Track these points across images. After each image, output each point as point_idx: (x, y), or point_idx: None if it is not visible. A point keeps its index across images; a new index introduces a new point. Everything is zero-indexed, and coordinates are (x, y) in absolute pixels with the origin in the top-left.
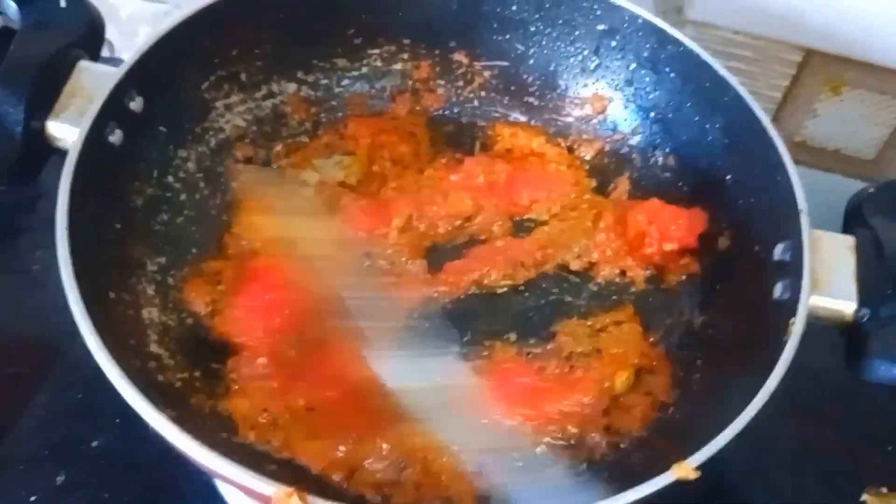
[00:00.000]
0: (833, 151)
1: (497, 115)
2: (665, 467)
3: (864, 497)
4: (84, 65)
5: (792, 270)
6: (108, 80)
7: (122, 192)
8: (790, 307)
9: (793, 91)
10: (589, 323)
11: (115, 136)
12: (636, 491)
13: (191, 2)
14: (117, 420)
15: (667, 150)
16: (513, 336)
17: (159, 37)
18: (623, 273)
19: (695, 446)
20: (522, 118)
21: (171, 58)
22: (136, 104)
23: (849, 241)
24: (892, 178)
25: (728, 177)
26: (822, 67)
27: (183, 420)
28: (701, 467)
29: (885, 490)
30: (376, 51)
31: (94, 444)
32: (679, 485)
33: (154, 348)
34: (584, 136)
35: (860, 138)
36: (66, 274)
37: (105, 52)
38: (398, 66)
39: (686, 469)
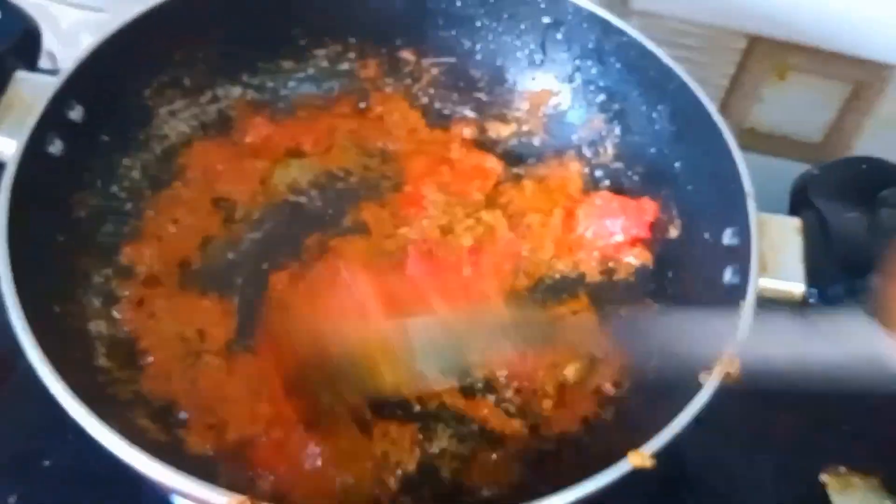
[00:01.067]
0: (781, 136)
1: (447, 112)
2: (621, 455)
3: (823, 477)
4: (21, 75)
5: (740, 254)
6: (47, 90)
7: (64, 204)
8: (740, 290)
9: (739, 78)
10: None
11: (56, 147)
12: (593, 481)
13: (131, 8)
14: (70, 436)
15: (616, 140)
16: None
17: (97, 44)
18: (576, 265)
19: (650, 434)
20: (472, 114)
21: (110, 65)
22: (75, 114)
23: (795, 223)
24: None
25: (677, 164)
26: (766, 53)
27: (132, 434)
28: (657, 455)
29: (843, 469)
30: (322, 51)
31: (47, 462)
32: (636, 473)
33: (102, 362)
34: (531, 128)
35: (807, 122)
36: (7, 288)
37: (46, 64)
38: (345, 66)
39: (642, 457)
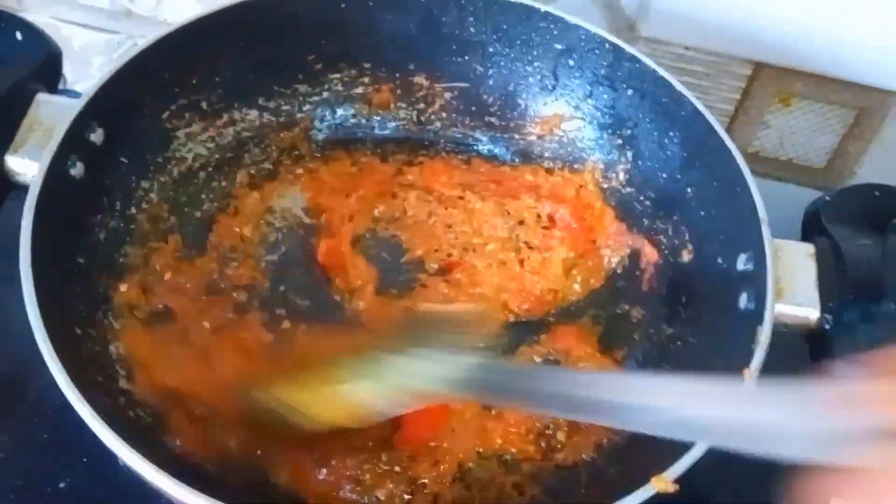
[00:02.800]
0: (785, 161)
1: (459, 136)
2: (639, 478)
3: None
4: (42, 98)
5: (755, 280)
6: (68, 112)
7: (84, 226)
8: (756, 316)
9: (744, 104)
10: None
11: (77, 169)
12: None
13: (143, 30)
14: (85, 459)
15: (627, 165)
16: None
17: (118, 68)
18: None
19: (670, 459)
20: (484, 138)
21: (130, 88)
22: (96, 136)
23: (809, 249)
24: (843, 184)
25: (688, 190)
26: (771, 80)
27: (156, 456)
28: (678, 480)
29: None
30: (337, 75)
31: (62, 484)
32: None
33: (123, 384)
34: (546, 155)
35: (811, 147)
36: (32, 311)
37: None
38: (359, 90)
39: (664, 482)
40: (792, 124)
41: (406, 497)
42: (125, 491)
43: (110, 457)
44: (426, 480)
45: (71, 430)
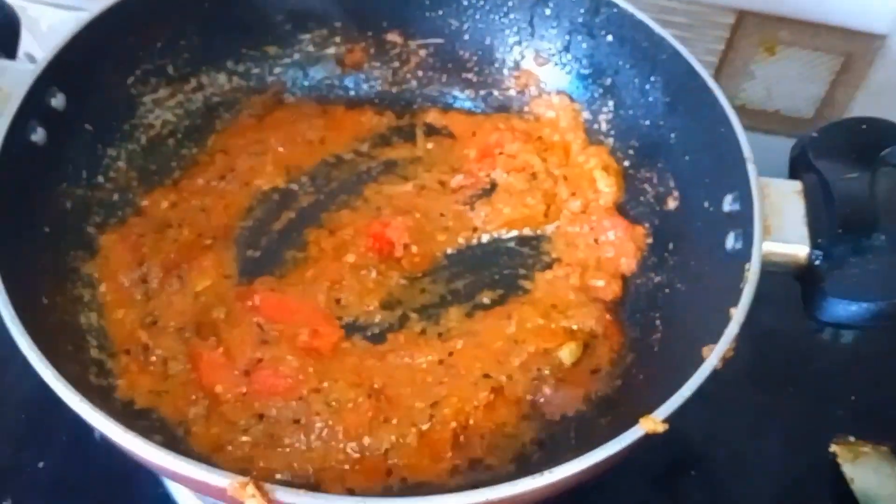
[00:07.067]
0: (773, 113)
1: (436, 94)
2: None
3: (833, 447)
4: (1, 63)
5: (742, 219)
6: (27, 77)
7: (49, 195)
8: (744, 255)
9: (729, 55)
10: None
11: (38, 136)
12: (605, 448)
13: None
14: (63, 438)
15: (609, 114)
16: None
17: (77, 31)
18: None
19: (659, 401)
20: (462, 95)
21: (91, 53)
22: (57, 101)
23: (796, 185)
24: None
25: (672, 135)
26: (755, 28)
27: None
28: (668, 422)
29: (852, 439)
30: (307, 36)
31: (41, 464)
32: (647, 441)
33: (94, 354)
34: (526, 109)
35: (798, 97)
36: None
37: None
38: (331, 51)
39: (654, 422)
40: (778, 74)
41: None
42: (105, 469)
43: (87, 436)
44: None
45: (47, 411)
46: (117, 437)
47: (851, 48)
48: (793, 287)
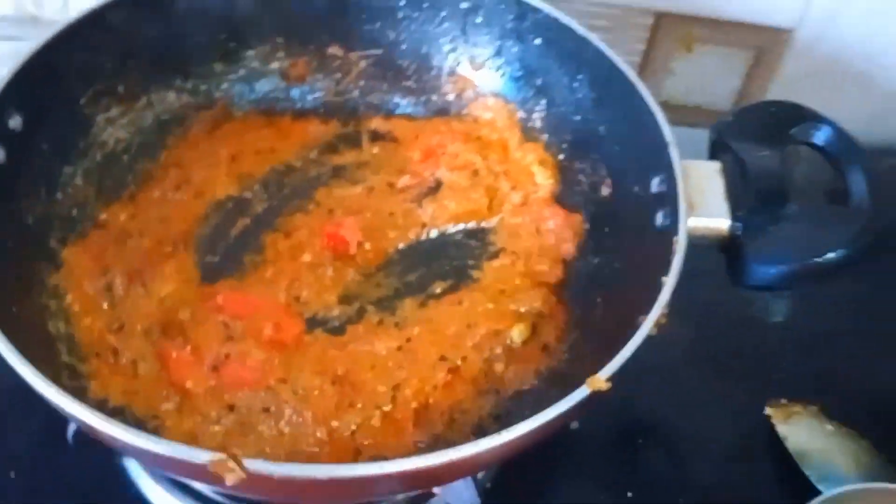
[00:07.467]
0: (694, 107)
1: (377, 101)
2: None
3: (767, 410)
4: None
5: (669, 198)
6: None
7: (10, 210)
8: (671, 230)
9: (650, 54)
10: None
11: None
12: (555, 408)
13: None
14: (31, 445)
15: (542, 112)
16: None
17: (31, 54)
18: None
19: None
20: (403, 101)
21: (45, 75)
22: (14, 122)
23: (715, 166)
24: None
25: (601, 128)
26: (673, 28)
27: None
28: (611, 381)
29: (784, 401)
30: (251, 52)
31: (12, 474)
32: (595, 404)
33: (65, 358)
34: (464, 112)
35: (716, 91)
36: None
37: None
38: (275, 65)
39: (598, 382)
40: (696, 70)
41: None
42: (77, 472)
43: (56, 440)
44: None
45: (13, 421)
46: (102, 427)
47: (762, 42)
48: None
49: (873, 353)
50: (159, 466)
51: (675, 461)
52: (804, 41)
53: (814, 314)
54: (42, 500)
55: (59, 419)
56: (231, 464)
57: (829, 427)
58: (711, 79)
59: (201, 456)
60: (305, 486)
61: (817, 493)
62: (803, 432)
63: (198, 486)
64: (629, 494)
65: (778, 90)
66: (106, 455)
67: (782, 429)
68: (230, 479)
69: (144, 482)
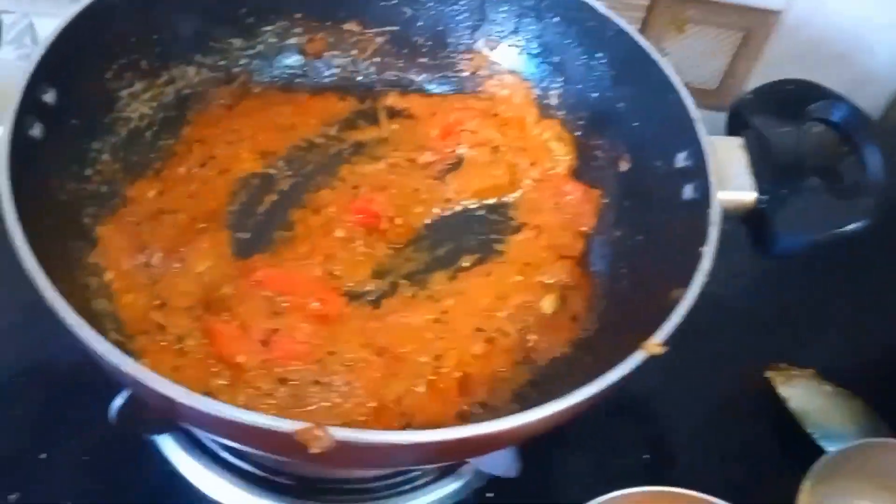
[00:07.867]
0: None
1: (394, 78)
2: (629, 352)
3: (767, 373)
4: None
5: (696, 173)
6: (20, 73)
7: (47, 188)
8: (702, 203)
9: (644, 34)
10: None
11: (36, 131)
12: (613, 373)
13: (38, 7)
14: (62, 429)
15: (559, 90)
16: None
17: (63, 27)
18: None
19: (650, 329)
20: (418, 78)
21: (75, 49)
22: (49, 97)
23: (738, 141)
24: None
25: (620, 105)
26: (666, 9)
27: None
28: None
29: (783, 365)
30: (269, 27)
31: (42, 455)
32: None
33: (113, 336)
34: (479, 89)
35: (704, 70)
36: (30, 265)
37: None
38: (293, 41)
39: (654, 346)
40: (687, 50)
41: None
42: (109, 453)
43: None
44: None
45: (48, 403)
46: (187, 401)
47: (751, 24)
48: (730, 234)
49: (860, 319)
50: (232, 437)
51: (685, 420)
52: (792, 22)
53: (809, 285)
54: (75, 479)
55: (91, 397)
56: (319, 431)
57: (827, 388)
58: (700, 59)
59: (287, 425)
60: (373, 452)
61: (817, 448)
62: (802, 393)
63: (232, 459)
64: (645, 456)
65: (764, 71)
66: (140, 433)
67: (783, 390)
68: (317, 447)
69: (178, 457)
